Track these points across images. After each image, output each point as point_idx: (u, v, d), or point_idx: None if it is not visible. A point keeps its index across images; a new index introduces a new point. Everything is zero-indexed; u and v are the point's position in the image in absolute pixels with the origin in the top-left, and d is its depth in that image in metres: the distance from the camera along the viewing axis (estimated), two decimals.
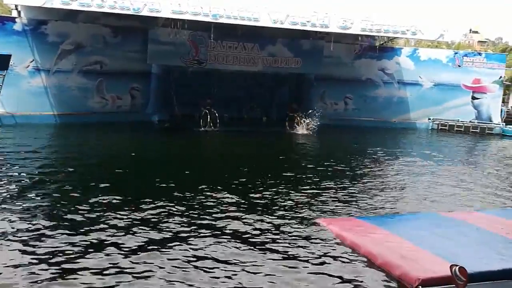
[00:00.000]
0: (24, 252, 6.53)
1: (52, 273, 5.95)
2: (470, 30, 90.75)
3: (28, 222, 7.67)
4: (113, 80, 22.31)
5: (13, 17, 20.52)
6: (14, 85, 19.64)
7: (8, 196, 9.07)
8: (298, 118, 22.48)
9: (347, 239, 7.60)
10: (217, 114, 21.11)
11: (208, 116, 21.13)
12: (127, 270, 6.14)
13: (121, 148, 16.30)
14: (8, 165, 12.06)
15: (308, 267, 6.65)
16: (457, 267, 5.16)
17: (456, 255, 6.66)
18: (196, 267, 6.40)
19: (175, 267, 6.36)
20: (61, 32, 20.89)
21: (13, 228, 7.38)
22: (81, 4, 17.89)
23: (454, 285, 5.22)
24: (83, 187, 10.28)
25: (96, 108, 22.04)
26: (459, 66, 27.15)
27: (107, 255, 6.58)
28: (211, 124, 21.04)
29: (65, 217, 8.06)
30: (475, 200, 11.27)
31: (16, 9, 20.47)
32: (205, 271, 6.29)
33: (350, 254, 7.17)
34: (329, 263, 6.79)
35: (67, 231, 7.33)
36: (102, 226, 7.67)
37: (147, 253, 6.69)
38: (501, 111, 27.95)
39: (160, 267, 6.29)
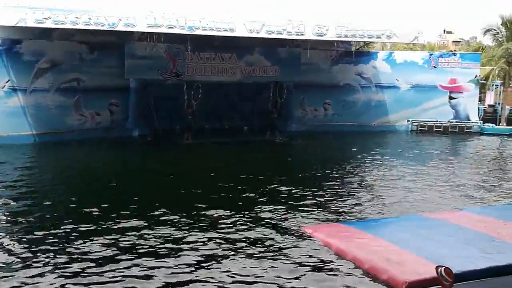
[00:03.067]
0: None
1: None
2: (444, 30, 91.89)
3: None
4: (91, 97, 22.02)
5: None
6: None
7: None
8: None
9: (333, 245, 7.62)
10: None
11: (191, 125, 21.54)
12: None
13: (110, 163, 16.46)
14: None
15: (295, 277, 6.65)
16: (443, 267, 5.19)
17: (441, 255, 6.73)
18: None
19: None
20: (36, 50, 20.60)
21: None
22: (55, 22, 17.67)
23: (440, 286, 5.26)
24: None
25: (75, 126, 21.72)
26: (434, 67, 27.43)
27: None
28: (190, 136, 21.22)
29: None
30: (457, 199, 11.40)
31: None
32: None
33: (337, 260, 7.19)
34: (317, 271, 6.80)
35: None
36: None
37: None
38: (478, 110, 28.33)
39: None
